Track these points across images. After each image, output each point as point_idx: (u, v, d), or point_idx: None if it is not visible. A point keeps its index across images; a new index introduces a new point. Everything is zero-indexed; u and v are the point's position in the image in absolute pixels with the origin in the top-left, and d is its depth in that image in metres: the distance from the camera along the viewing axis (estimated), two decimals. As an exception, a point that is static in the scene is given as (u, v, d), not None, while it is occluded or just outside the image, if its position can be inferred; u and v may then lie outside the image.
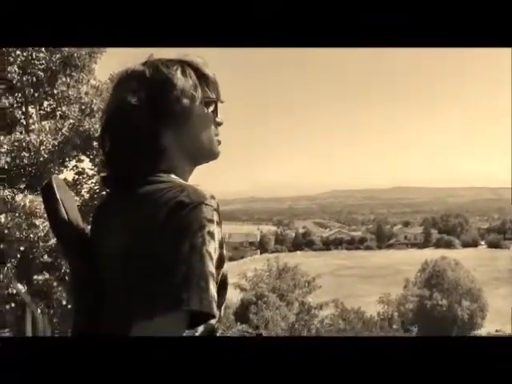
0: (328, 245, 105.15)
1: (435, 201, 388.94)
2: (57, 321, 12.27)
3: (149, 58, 1.43)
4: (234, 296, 24.59)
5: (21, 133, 10.35)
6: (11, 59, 10.39)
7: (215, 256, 1.22)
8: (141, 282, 1.20)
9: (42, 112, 11.86)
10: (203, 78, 1.44)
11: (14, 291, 11.13)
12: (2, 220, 9.55)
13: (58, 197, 1.40)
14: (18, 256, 10.92)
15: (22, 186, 10.78)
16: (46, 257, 11.09)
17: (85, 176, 12.65)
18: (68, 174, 12.50)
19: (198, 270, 1.17)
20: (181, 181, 1.34)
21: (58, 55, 10.60)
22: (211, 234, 1.20)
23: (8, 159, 9.50)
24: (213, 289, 1.18)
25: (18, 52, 10.33)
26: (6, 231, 9.53)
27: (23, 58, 10.43)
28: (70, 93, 11.16)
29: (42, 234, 9.71)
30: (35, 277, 10.85)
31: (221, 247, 1.28)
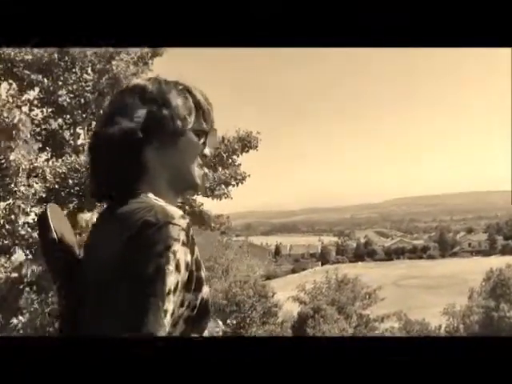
0: (390, 254, 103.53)
1: (499, 206, 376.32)
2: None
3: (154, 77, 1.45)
4: (294, 309, 24.39)
5: (69, 154, 10.53)
6: (60, 83, 10.69)
7: (180, 277, 1.19)
8: (109, 300, 1.19)
9: (90, 133, 12.12)
10: (199, 107, 1.45)
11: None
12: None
13: (52, 225, 1.41)
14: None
15: (71, 206, 10.98)
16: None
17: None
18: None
19: (158, 291, 1.14)
20: (154, 201, 1.31)
21: (106, 76, 10.80)
22: (175, 255, 1.18)
23: (58, 179, 9.66)
24: (170, 308, 1.16)
25: (66, 75, 10.60)
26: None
27: (72, 81, 10.70)
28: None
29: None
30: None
31: (197, 269, 1.27)
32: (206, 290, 1.32)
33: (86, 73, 10.78)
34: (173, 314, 1.20)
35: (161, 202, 1.30)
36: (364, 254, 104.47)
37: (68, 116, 11.34)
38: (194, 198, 12.21)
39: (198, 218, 12.69)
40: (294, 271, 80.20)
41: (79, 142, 11.53)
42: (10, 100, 10.28)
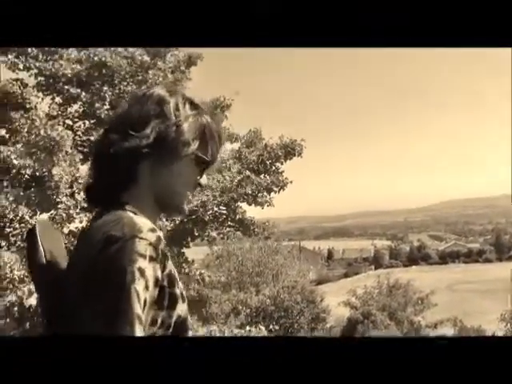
0: (444, 258, 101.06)
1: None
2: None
3: (175, 89, 1.43)
4: (345, 314, 24.07)
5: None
6: (99, 96, 10.91)
7: (148, 294, 1.14)
8: (75, 319, 1.17)
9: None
10: (208, 135, 1.41)
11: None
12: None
13: (39, 242, 1.40)
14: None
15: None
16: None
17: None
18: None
19: (123, 312, 1.09)
20: (127, 213, 1.27)
21: (144, 86, 10.95)
22: (141, 271, 1.12)
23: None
24: (138, 332, 1.09)
25: (105, 87, 10.80)
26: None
27: (110, 93, 10.90)
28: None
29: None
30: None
31: (170, 286, 1.22)
32: (182, 307, 1.28)
33: (125, 84, 10.92)
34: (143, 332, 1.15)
35: (132, 215, 1.26)
36: (418, 257, 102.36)
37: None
38: (237, 205, 12.26)
39: (241, 225, 12.72)
40: (346, 275, 79.20)
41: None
42: (54, 113, 10.54)
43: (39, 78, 11.05)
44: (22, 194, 8.84)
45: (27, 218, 8.58)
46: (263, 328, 13.02)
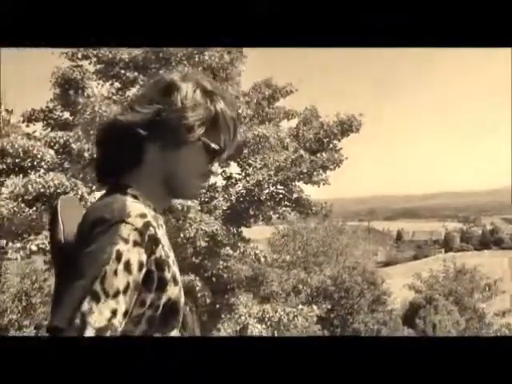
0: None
1: None
2: (205, 319, 12.82)
3: (190, 76, 1.43)
4: (408, 297, 23.65)
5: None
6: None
7: (132, 278, 1.19)
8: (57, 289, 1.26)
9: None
10: (218, 122, 1.41)
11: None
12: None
13: (60, 218, 1.42)
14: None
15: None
16: (193, 258, 11.65)
17: (232, 181, 13.03)
18: (217, 179, 12.97)
19: (79, 287, 1.15)
20: (123, 197, 1.31)
21: (200, 68, 11.02)
22: (119, 254, 1.18)
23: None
24: (86, 306, 1.14)
25: (161, 71, 10.96)
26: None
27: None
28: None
29: (191, 235, 10.14)
30: (182, 277, 11.34)
31: (159, 269, 1.27)
32: (173, 290, 1.33)
33: (182, 67, 11.03)
34: (128, 313, 1.20)
35: (130, 199, 1.31)
36: (490, 241, 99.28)
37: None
38: (294, 184, 12.23)
39: (297, 204, 12.68)
40: (416, 258, 77.83)
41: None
42: (115, 98, 10.82)
43: (98, 66, 11.36)
44: (81, 174, 9.17)
45: (86, 195, 8.91)
46: (315, 307, 12.96)
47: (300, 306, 12.56)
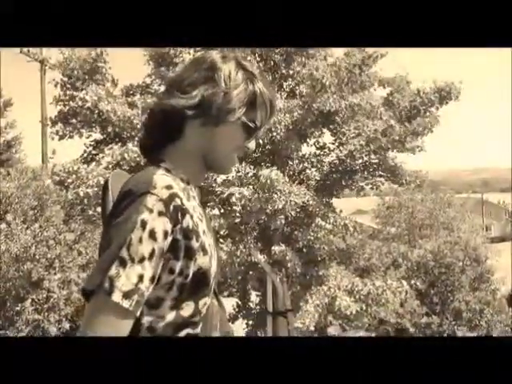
0: None
1: None
2: (294, 290, 12.89)
3: (230, 55, 1.48)
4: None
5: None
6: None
7: (157, 245, 1.26)
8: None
9: (281, 93, 12.39)
10: (256, 102, 1.46)
11: (256, 260, 11.97)
12: (245, 193, 10.31)
13: (110, 194, 1.49)
14: (257, 228, 11.73)
15: (264, 164, 11.45)
16: (286, 228, 11.70)
17: (326, 150, 12.87)
18: (310, 150, 12.86)
19: (108, 254, 1.24)
20: (154, 170, 1.38)
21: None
22: (143, 223, 1.25)
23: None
24: (113, 271, 1.21)
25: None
26: (248, 203, 10.26)
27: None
28: (304, 71, 11.49)
29: (280, 207, 10.19)
30: (273, 248, 11.46)
31: (186, 238, 1.32)
32: (203, 259, 1.37)
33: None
34: (156, 279, 1.29)
35: (161, 171, 1.37)
36: None
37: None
38: (386, 153, 11.91)
39: (392, 174, 12.36)
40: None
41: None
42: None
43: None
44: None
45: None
46: (405, 283, 12.62)
47: (389, 281, 12.30)
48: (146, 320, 1.32)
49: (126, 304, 1.22)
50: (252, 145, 1.50)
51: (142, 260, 1.23)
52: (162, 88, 12.11)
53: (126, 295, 1.21)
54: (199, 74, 1.40)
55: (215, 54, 1.44)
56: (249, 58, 11.01)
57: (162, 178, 1.32)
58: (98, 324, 1.22)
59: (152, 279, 1.26)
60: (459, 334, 16.48)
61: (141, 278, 1.23)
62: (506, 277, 20.86)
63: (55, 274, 10.68)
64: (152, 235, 1.25)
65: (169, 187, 1.30)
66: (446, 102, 11.88)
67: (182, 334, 1.36)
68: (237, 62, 1.44)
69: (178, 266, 1.33)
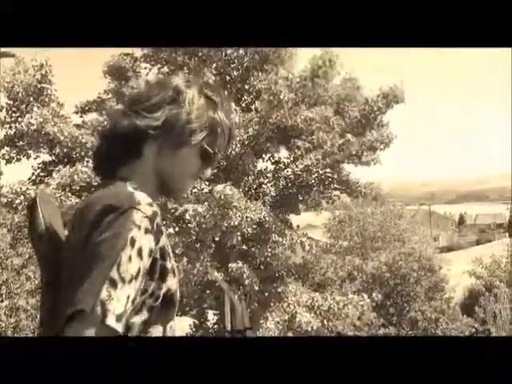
0: None
1: None
2: (253, 308, 12.75)
3: (194, 80, 1.49)
4: (468, 284, 22.80)
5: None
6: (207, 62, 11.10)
7: (142, 264, 1.22)
8: (71, 278, 1.22)
9: (237, 108, 12.34)
10: (217, 128, 1.45)
11: (213, 278, 11.81)
12: (200, 210, 10.16)
13: (40, 211, 1.44)
14: (213, 245, 11.59)
15: (219, 180, 11.32)
16: (242, 245, 11.60)
17: (281, 165, 12.85)
18: (266, 165, 12.82)
19: (99, 274, 1.17)
20: (128, 188, 1.34)
21: (256, 56, 10.97)
22: (132, 240, 1.21)
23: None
24: (104, 294, 1.15)
25: (211, 53, 10.92)
26: (202, 220, 10.11)
27: (217, 59, 11.02)
28: (260, 86, 11.47)
29: (236, 223, 10.06)
30: (230, 265, 11.31)
31: (162, 258, 1.31)
32: (172, 281, 1.35)
33: (231, 51, 11.02)
34: (134, 300, 1.23)
35: (132, 189, 1.33)
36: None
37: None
38: (341, 166, 11.98)
39: (347, 187, 12.43)
40: (478, 243, 75.43)
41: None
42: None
43: (145, 50, 11.43)
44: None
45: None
46: (366, 296, 12.67)
47: (350, 295, 12.30)
48: None
49: (118, 328, 1.17)
50: (207, 173, 1.51)
51: (130, 280, 1.19)
52: (120, 105, 11.90)
53: (119, 318, 1.17)
54: (164, 95, 1.41)
55: (179, 80, 1.46)
56: (206, 69, 10.92)
57: (142, 195, 1.30)
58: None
59: (133, 300, 1.22)
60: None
61: (128, 298, 1.19)
62: (456, 285, 21.30)
63: (2, 301, 10.27)
64: (140, 253, 1.22)
65: (151, 204, 1.29)
66: (392, 106, 12.14)
67: None
68: (200, 89, 1.46)
69: (151, 287, 1.30)
